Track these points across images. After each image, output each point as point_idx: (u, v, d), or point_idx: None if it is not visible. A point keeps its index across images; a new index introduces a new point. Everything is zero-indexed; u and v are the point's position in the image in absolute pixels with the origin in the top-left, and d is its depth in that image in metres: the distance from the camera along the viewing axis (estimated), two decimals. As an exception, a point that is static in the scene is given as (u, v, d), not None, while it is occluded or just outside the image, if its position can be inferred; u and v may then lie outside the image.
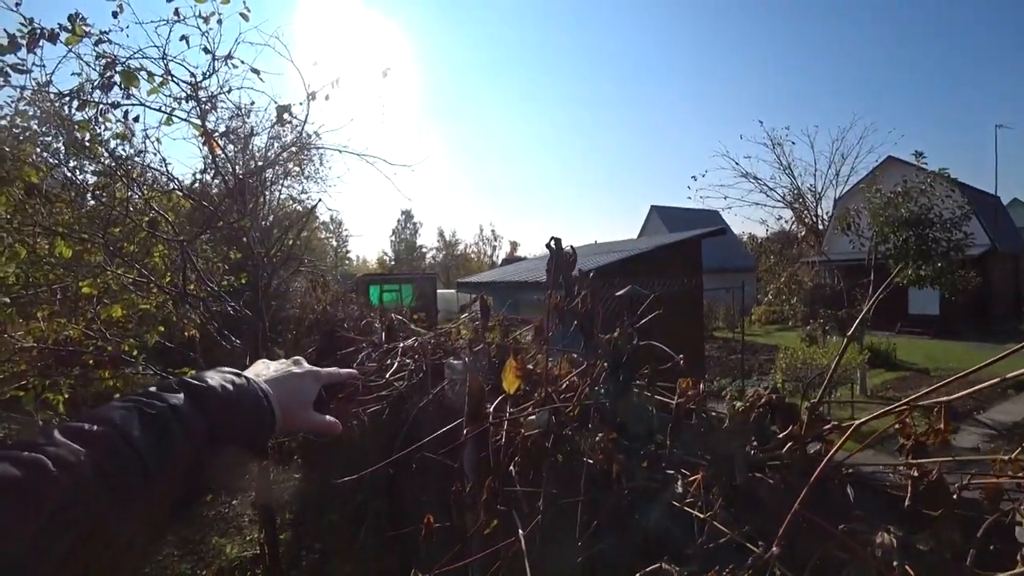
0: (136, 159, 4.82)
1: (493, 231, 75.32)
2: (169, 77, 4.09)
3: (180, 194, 5.26)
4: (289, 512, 6.45)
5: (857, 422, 0.76)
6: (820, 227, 33.45)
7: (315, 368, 0.99)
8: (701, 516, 0.82)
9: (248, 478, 6.98)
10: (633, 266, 12.01)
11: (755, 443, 0.85)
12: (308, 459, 7.12)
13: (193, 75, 4.22)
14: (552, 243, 1.11)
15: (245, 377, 0.81)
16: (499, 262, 49.61)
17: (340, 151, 5.60)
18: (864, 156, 37.92)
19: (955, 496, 0.72)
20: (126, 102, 4.16)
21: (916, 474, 0.72)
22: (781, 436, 0.83)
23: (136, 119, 4.33)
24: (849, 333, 1.21)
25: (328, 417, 0.98)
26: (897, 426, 0.79)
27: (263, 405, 0.80)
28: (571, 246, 1.12)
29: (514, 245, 66.13)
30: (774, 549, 0.67)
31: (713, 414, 0.93)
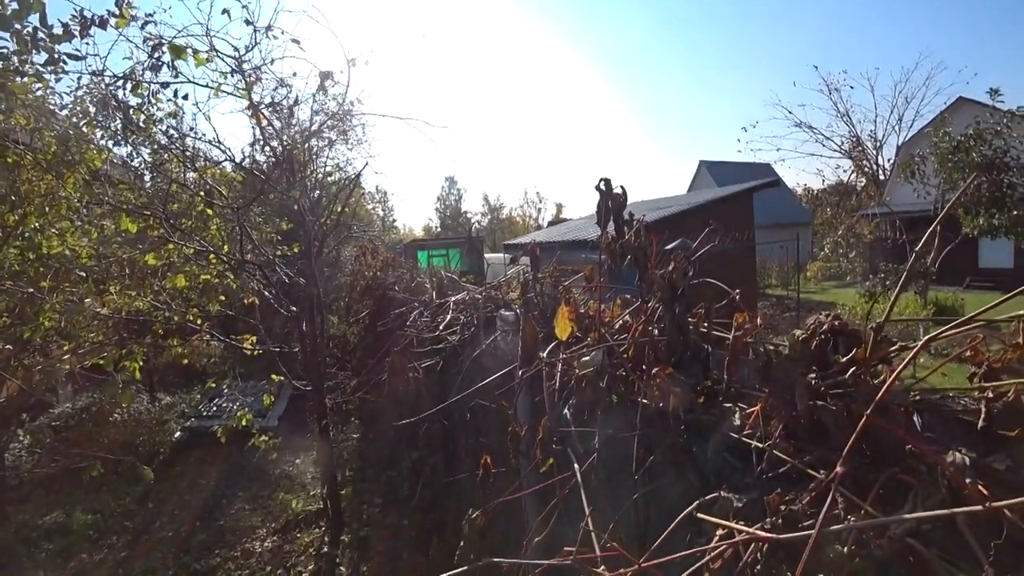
0: (188, 136, 5.00)
1: (538, 193, 74.93)
2: (214, 53, 4.18)
3: (231, 165, 5.43)
4: (349, 469, 6.77)
5: (925, 338, 0.73)
6: (881, 176, 31.74)
7: None
8: (760, 446, 0.82)
9: (310, 438, 7.35)
10: (682, 221, 11.74)
11: (816, 371, 0.83)
12: (366, 419, 7.42)
13: (237, 49, 4.30)
14: (602, 184, 1.09)
15: None
16: (545, 224, 49.35)
17: (382, 116, 5.67)
18: (931, 99, 35.62)
19: (1033, 417, 0.69)
20: (175, 81, 4.29)
21: (991, 395, 0.70)
22: (844, 361, 0.81)
23: (185, 97, 4.47)
24: (907, 269, 1.14)
25: None
26: (969, 353, 0.76)
27: None
28: (621, 186, 1.10)
29: (559, 207, 65.71)
30: (838, 469, 0.66)
31: (771, 347, 0.91)
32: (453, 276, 2.65)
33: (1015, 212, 12.66)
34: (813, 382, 0.81)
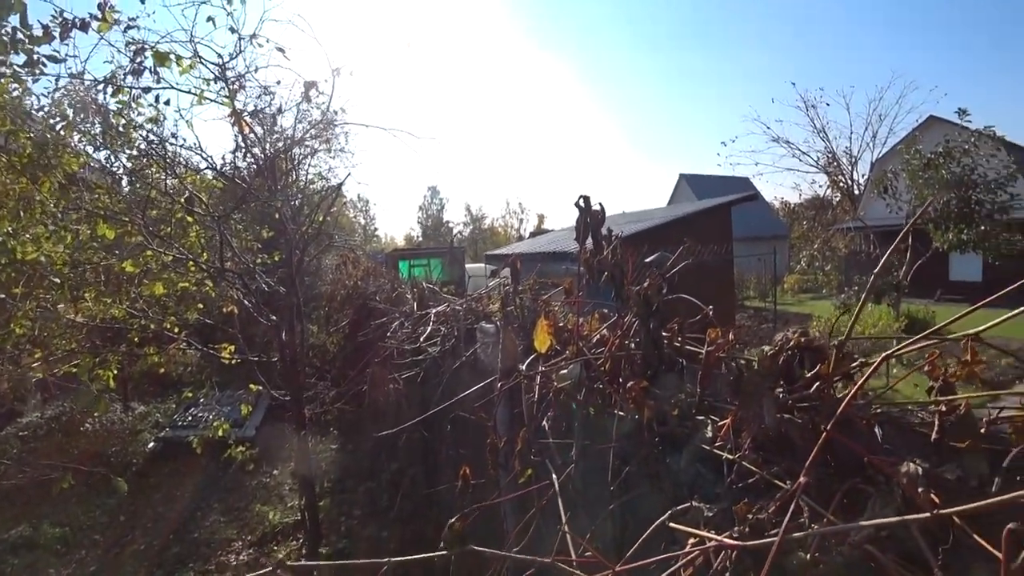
0: (170, 142, 4.96)
1: (520, 204, 75.40)
2: (198, 59, 4.16)
3: (212, 173, 5.39)
4: (328, 481, 6.69)
5: (884, 355, 0.77)
6: (856, 192, 32.46)
7: None
8: (730, 457, 0.85)
9: (288, 449, 7.25)
10: (662, 234, 11.91)
11: (784, 386, 0.87)
12: (345, 430, 7.35)
13: (221, 56, 4.29)
14: (581, 201, 1.13)
15: None
16: (526, 235, 49.56)
17: (365, 126, 5.68)
18: (903, 117, 36.60)
19: (982, 429, 0.73)
20: (157, 86, 4.26)
21: (944, 409, 0.74)
22: (809, 376, 0.84)
23: (167, 102, 4.43)
24: (868, 287, 1.18)
25: None
26: (927, 368, 0.80)
27: None
28: (600, 203, 1.13)
29: (541, 218, 66.10)
30: (802, 479, 0.69)
31: (743, 361, 0.95)
32: (434, 287, 2.66)
33: (983, 228, 13.11)
34: (781, 396, 0.85)
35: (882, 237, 19.92)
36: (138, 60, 4.11)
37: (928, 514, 0.56)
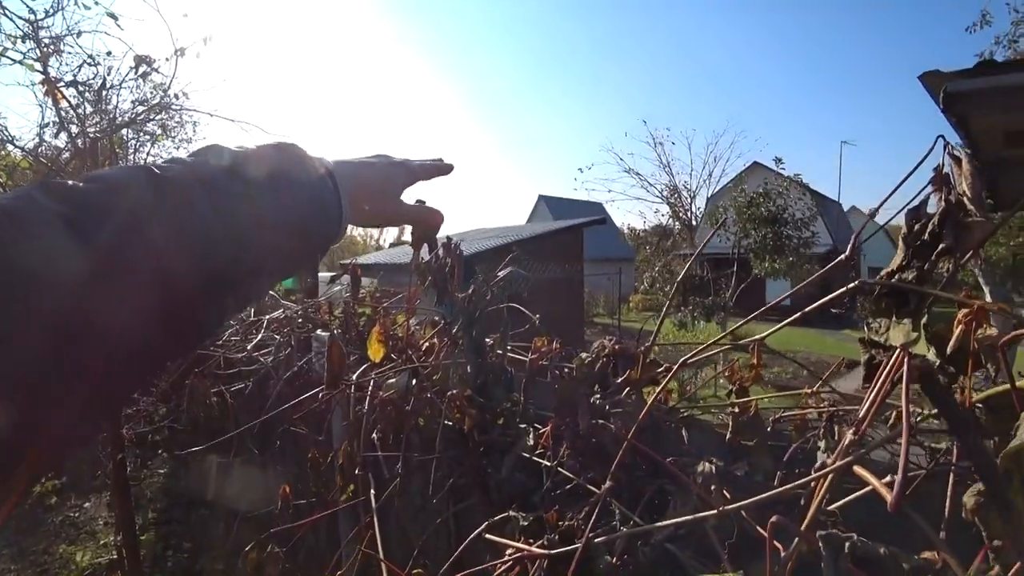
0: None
1: (381, 214, 73.66)
2: (1, 10, 3.56)
3: (16, 149, 4.60)
4: (153, 510, 5.90)
5: (681, 360, 0.82)
6: (693, 222, 36.13)
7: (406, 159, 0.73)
8: (548, 464, 0.85)
9: (102, 476, 6.31)
10: (517, 251, 12.26)
11: (600, 392, 0.89)
12: (177, 451, 6.58)
13: (33, 11, 3.69)
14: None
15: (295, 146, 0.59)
16: (387, 245, 48.48)
17: (211, 115, 5.22)
18: (734, 160, 41.64)
19: (768, 428, 0.80)
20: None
21: (738, 410, 0.79)
22: (619, 381, 0.87)
23: (-47, 57, 3.73)
24: (667, 305, 1.27)
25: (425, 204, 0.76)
26: (728, 373, 0.86)
27: (325, 186, 0.57)
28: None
29: (401, 229, 65.01)
30: (607, 484, 0.70)
31: (567, 369, 0.96)
32: (274, 294, 2.47)
33: (791, 259, 15.52)
34: (597, 402, 0.87)
35: (713, 263, 22.41)
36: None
37: (715, 511, 0.58)
